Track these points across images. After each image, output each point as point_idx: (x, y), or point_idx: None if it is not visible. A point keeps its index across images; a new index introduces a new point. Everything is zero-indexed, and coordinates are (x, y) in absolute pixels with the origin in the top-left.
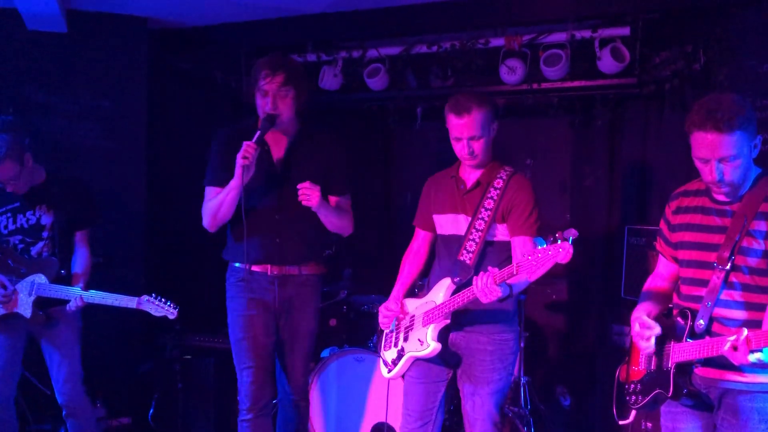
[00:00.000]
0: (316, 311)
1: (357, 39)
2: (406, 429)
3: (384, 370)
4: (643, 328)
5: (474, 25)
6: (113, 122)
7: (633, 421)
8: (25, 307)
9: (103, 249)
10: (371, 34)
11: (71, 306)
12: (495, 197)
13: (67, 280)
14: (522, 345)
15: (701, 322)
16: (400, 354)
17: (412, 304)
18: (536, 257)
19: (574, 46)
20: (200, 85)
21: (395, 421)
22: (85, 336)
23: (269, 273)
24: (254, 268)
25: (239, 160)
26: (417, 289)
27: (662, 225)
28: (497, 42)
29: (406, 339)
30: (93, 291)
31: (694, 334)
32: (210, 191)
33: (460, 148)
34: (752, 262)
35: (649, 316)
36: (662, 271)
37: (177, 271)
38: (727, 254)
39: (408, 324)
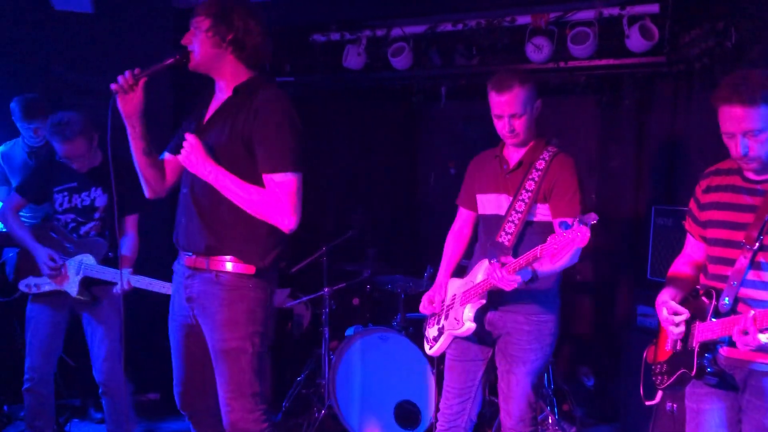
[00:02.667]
0: (231, 322)
1: (381, 18)
2: (446, 405)
3: (426, 346)
4: (671, 313)
5: (500, 3)
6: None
7: (658, 402)
8: (72, 285)
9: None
10: (396, 12)
11: (118, 288)
12: (536, 179)
13: (114, 262)
14: None
15: (726, 301)
16: (440, 331)
17: (455, 284)
18: (554, 243)
19: (602, 24)
20: None
21: (419, 398)
22: None
23: (186, 263)
24: (180, 254)
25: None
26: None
27: (692, 204)
28: (524, 20)
29: (446, 317)
30: (140, 276)
31: (718, 313)
32: None
33: (501, 126)
34: None
35: (674, 299)
36: (690, 252)
37: None
38: (755, 234)
39: (449, 303)
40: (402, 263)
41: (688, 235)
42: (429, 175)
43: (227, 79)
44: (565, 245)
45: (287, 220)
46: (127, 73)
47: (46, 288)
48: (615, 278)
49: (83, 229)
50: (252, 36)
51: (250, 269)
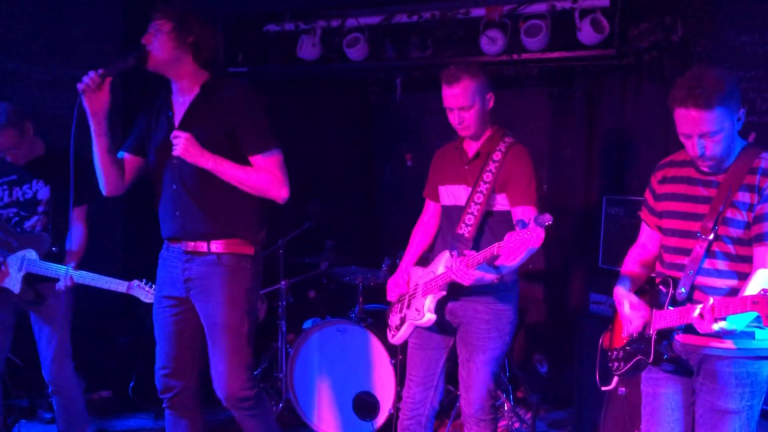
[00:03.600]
0: (233, 299)
1: (336, 8)
2: (408, 395)
3: (389, 335)
4: (633, 310)
5: None
6: None
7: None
8: (14, 282)
9: None
10: (351, 2)
11: (60, 285)
12: (494, 170)
13: (60, 257)
14: None
15: (682, 290)
16: (402, 320)
17: (417, 273)
18: (510, 241)
19: (555, 17)
20: None
21: (377, 389)
22: None
23: (181, 248)
24: (170, 244)
25: (79, 87)
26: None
27: (647, 194)
28: (478, 12)
29: (408, 306)
30: (83, 271)
31: (675, 302)
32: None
33: (452, 118)
34: (735, 232)
35: (633, 287)
36: (644, 242)
37: (155, 243)
38: (710, 224)
39: (411, 292)
40: (359, 255)
41: (643, 224)
42: (385, 167)
43: (186, 78)
44: (521, 245)
45: (283, 191)
46: (92, 74)
47: None
48: (567, 266)
49: (27, 224)
50: (208, 39)
51: (249, 250)
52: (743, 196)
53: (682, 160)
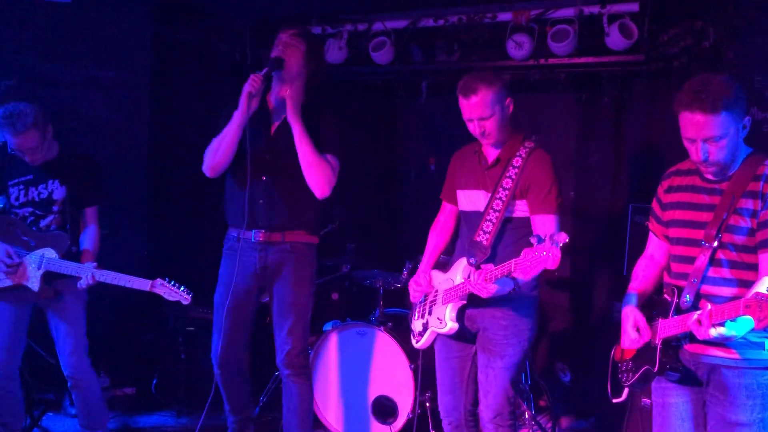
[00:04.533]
0: (302, 282)
1: (363, 12)
2: (441, 402)
3: (413, 340)
4: (634, 328)
5: None
6: (117, 93)
7: (628, 398)
8: (33, 280)
9: (107, 220)
10: (377, 6)
11: (82, 283)
12: (514, 176)
13: (77, 256)
14: None
15: (687, 298)
16: (425, 327)
17: (438, 278)
18: (526, 259)
19: (582, 22)
20: (204, 57)
21: (396, 394)
22: (89, 306)
23: (252, 239)
24: (242, 234)
25: (245, 89)
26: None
27: (654, 204)
28: (505, 16)
29: (430, 313)
30: (105, 270)
31: (679, 310)
32: (214, 141)
33: (472, 129)
34: (739, 239)
35: (640, 300)
36: (652, 252)
37: (180, 242)
38: (714, 232)
39: (433, 298)
40: (381, 259)
41: (651, 234)
42: (409, 170)
43: (292, 83)
44: (537, 264)
45: (328, 189)
46: (256, 77)
47: (6, 283)
48: (592, 274)
49: (43, 223)
50: (319, 65)
51: (314, 240)
52: (747, 203)
53: (687, 168)
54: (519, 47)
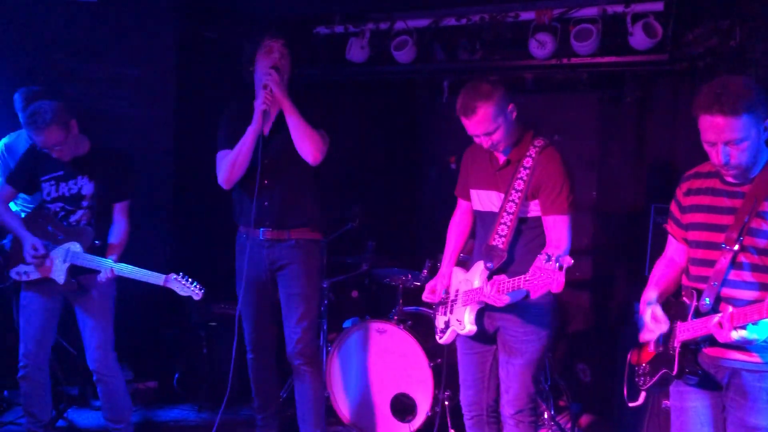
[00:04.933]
0: (309, 275)
1: (385, 11)
2: (463, 396)
3: (437, 336)
4: (654, 321)
5: None
6: (142, 90)
7: (645, 401)
8: (59, 273)
9: (131, 216)
10: (400, 5)
11: (102, 277)
12: (525, 177)
13: (102, 251)
14: None
15: (706, 300)
16: (447, 325)
17: (459, 276)
18: (535, 276)
19: (606, 21)
20: (228, 55)
21: (415, 392)
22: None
23: (260, 236)
24: (251, 232)
25: (259, 106)
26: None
27: (673, 207)
28: (527, 15)
29: (452, 311)
30: (123, 264)
31: (699, 313)
32: (223, 154)
33: (479, 142)
34: (761, 243)
35: (659, 300)
36: (671, 254)
37: (203, 238)
38: (735, 235)
39: (454, 297)
40: (401, 257)
41: (670, 237)
42: (430, 169)
43: (282, 89)
44: (543, 285)
45: (319, 155)
46: (266, 94)
47: (35, 275)
48: (612, 274)
49: (73, 218)
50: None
51: (318, 236)
52: None
53: (707, 171)
54: (542, 46)
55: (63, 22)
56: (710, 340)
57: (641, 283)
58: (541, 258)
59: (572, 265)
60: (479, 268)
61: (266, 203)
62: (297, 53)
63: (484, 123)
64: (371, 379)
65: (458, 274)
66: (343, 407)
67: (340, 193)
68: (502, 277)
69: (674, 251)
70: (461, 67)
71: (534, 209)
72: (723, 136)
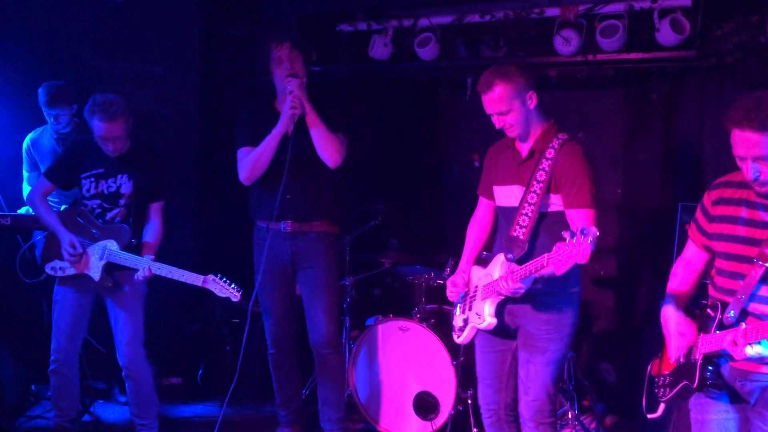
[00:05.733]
0: (330, 266)
1: (408, 8)
2: (481, 395)
3: (454, 336)
4: (679, 331)
5: None
6: (166, 88)
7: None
8: (95, 270)
9: None
10: (422, 2)
11: (139, 275)
12: (546, 168)
13: (137, 249)
14: None
15: (731, 314)
16: (465, 322)
17: (478, 273)
18: (559, 253)
19: (632, 17)
20: (251, 52)
21: (438, 390)
22: None
23: (282, 228)
24: (271, 225)
25: (287, 111)
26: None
27: (698, 213)
28: (552, 12)
29: (470, 308)
30: (162, 263)
31: (722, 326)
32: (245, 151)
33: (495, 122)
34: None
35: (679, 302)
36: (689, 258)
37: (227, 236)
38: None
39: (473, 294)
40: (424, 255)
41: (690, 241)
42: (453, 167)
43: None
44: (568, 258)
45: (339, 158)
46: (294, 99)
47: (71, 272)
48: (638, 274)
49: (109, 215)
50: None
51: (336, 230)
52: None
53: (740, 181)
54: (567, 43)
55: (90, 20)
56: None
57: (666, 283)
58: (566, 235)
59: (597, 252)
60: (499, 260)
61: (288, 196)
62: (306, 49)
63: (498, 101)
64: (394, 376)
65: (476, 271)
66: (366, 404)
67: (363, 190)
68: (513, 265)
69: (692, 255)
70: (485, 64)
71: (556, 203)
72: (753, 152)
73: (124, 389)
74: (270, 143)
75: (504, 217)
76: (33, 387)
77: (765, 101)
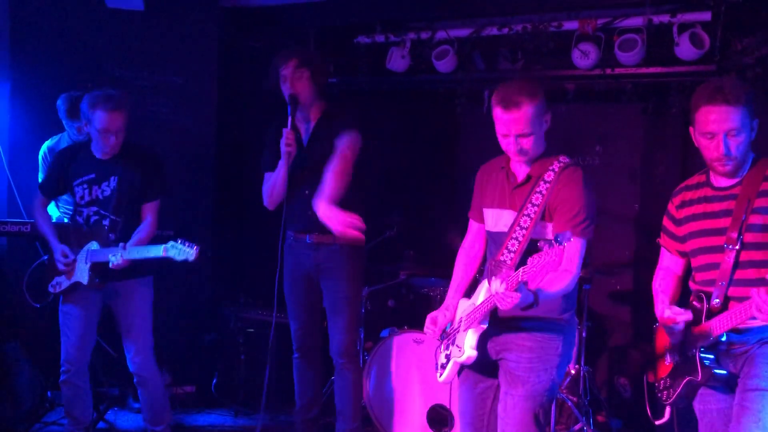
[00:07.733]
0: (351, 277)
1: (426, 20)
2: None
3: (437, 374)
4: (676, 314)
5: (547, 8)
6: (185, 98)
7: (674, 414)
8: (82, 273)
9: (173, 222)
10: (440, 15)
11: (113, 263)
12: (544, 191)
13: (116, 244)
14: (584, 335)
15: (716, 300)
16: (448, 358)
17: (463, 306)
18: (533, 264)
19: (651, 31)
20: (269, 63)
21: (452, 403)
22: (154, 306)
23: (307, 240)
24: (297, 236)
25: (284, 148)
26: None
27: (666, 221)
28: (570, 25)
29: (453, 342)
30: (130, 247)
31: (711, 314)
32: (268, 176)
33: (507, 145)
34: (761, 237)
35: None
36: (667, 265)
37: (243, 245)
38: (735, 234)
39: (456, 326)
40: (439, 267)
41: (663, 250)
42: (470, 179)
43: (312, 106)
44: (541, 268)
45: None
46: (288, 133)
47: (66, 284)
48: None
49: (105, 222)
50: (325, 77)
51: (361, 241)
52: (763, 201)
53: (696, 182)
54: (585, 56)
55: (111, 30)
56: (729, 340)
57: (684, 297)
58: (541, 245)
59: (614, 267)
60: (484, 287)
61: (309, 213)
62: (322, 61)
63: (523, 121)
64: (408, 388)
65: (463, 303)
66: (380, 416)
67: (380, 202)
68: (510, 271)
69: (669, 262)
70: (502, 76)
71: (551, 233)
72: (725, 125)
73: (137, 396)
74: (278, 175)
75: (493, 242)
76: (49, 393)
77: (730, 81)
